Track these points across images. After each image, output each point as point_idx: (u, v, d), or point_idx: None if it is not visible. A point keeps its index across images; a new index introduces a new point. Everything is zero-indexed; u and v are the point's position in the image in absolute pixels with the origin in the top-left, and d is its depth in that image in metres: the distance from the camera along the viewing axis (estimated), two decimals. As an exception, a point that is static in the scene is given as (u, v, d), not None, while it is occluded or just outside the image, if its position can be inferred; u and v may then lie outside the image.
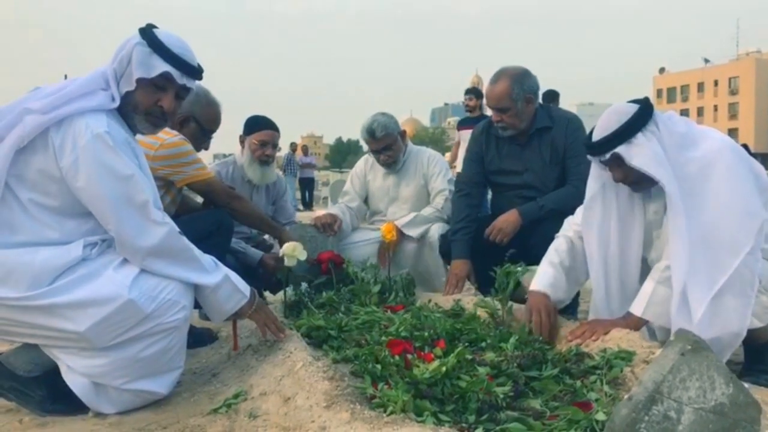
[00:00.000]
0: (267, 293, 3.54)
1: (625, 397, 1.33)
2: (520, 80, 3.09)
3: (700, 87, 70.67)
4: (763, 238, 2.11)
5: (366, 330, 2.44)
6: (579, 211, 2.60)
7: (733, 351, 2.19)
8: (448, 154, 10.48)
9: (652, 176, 2.18)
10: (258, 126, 3.50)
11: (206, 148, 3.27)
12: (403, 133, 3.68)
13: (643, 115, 2.22)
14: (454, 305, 2.82)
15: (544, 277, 2.47)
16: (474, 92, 8.31)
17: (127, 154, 1.99)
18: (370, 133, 3.54)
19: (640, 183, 2.28)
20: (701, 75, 70.81)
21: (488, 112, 7.07)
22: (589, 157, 2.41)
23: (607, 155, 2.25)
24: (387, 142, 3.56)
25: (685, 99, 72.05)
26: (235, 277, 2.18)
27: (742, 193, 2.13)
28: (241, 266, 3.29)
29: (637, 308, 2.28)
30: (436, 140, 70.08)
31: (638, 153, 2.18)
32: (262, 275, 3.32)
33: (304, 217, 12.60)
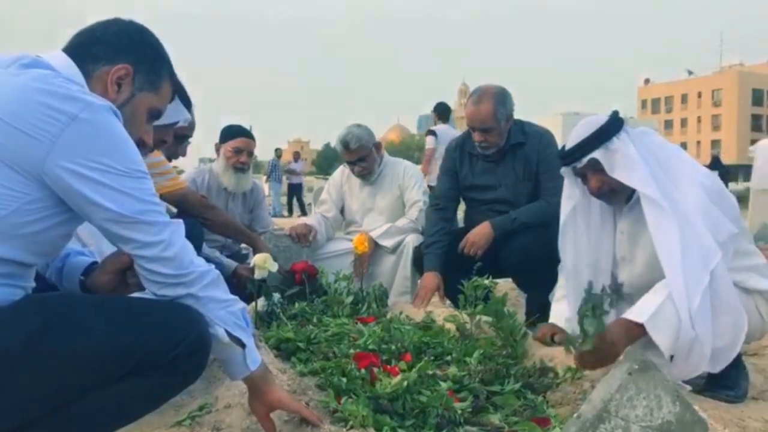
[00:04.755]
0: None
1: (575, 415, 1.35)
2: (502, 100, 3.14)
3: (684, 98, 71.57)
4: (731, 250, 2.12)
5: (335, 342, 2.45)
6: None
7: (734, 355, 2.14)
8: None
9: (628, 185, 2.19)
10: (233, 134, 3.55)
11: (183, 155, 3.27)
12: (378, 145, 3.72)
13: (614, 123, 2.25)
14: (425, 317, 2.84)
15: (558, 313, 2.52)
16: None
17: None
18: (344, 145, 3.58)
19: (615, 193, 2.28)
20: (685, 86, 71.75)
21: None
22: (562, 170, 2.42)
23: (584, 160, 2.26)
24: (361, 154, 3.60)
25: (669, 110, 72.91)
26: None
27: (711, 207, 2.13)
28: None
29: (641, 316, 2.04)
30: (422, 147, 70.18)
31: (618, 163, 2.19)
32: (236, 285, 3.32)
33: (288, 223, 12.59)
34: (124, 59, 1.45)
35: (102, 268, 1.56)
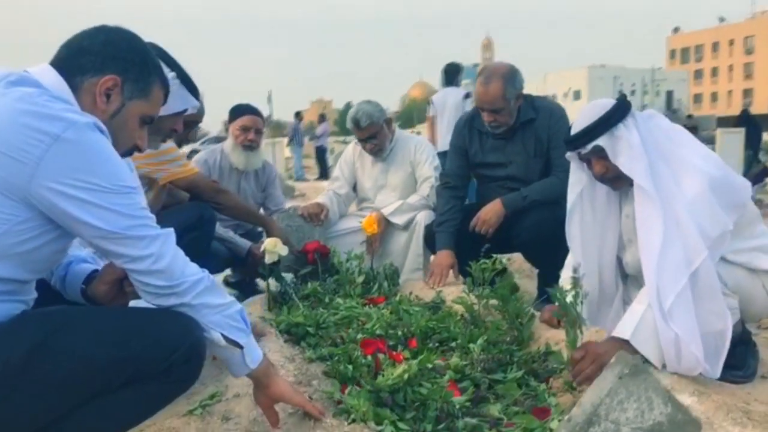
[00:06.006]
0: (258, 280, 3.60)
1: (565, 418, 1.37)
2: (511, 79, 3.09)
3: (715, 47, 69.46)
4: (726, 243, 2.11)
5: (344, 326, 2.50)
6: None
7: (726, 349, 2.07)
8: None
9: (628, 174, 2.18)
10: (240, 112, 3.57)
11: (193, 140, 3.32)
12: (389, 121, 3.70)
13: (621, 108, 2.21)
14: (435, 297, 2.87)
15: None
16: None
17: None
18: (355, 123, 3.56)
19: (619, 178, 2.26)
20: (716, 34, 69.53)
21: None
22: (568, 154, 2.40)
23: (589, 147, 2.24)
24: (372, 131, 3.58)
25: (699, 59, 70.87)
26: None
27: (709, 199, 2.11)
28: (231, 255, 3.37)
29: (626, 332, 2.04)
30: (445, 104, 69.39)
31: (621, 150, 2.17)
32: (251, 264, 3.37)
33: (309, 188, 12.58)
34: (111, 69, 1.45)
35: (100, 278, 1.60)
